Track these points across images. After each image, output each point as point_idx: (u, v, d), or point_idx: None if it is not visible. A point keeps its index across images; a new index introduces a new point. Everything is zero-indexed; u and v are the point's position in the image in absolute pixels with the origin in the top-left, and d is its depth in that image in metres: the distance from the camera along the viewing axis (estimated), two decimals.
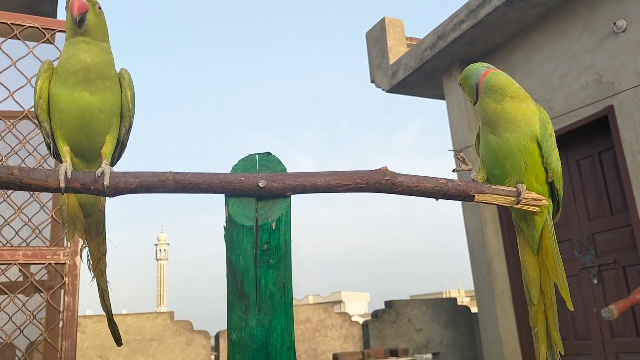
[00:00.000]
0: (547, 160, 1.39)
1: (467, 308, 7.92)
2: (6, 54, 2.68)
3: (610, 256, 5.28)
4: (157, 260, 56.81)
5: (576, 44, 5.42)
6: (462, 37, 6.07)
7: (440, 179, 1.24)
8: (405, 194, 1.20)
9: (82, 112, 1.28)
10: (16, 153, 2.83)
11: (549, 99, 5.65)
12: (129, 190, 1.12)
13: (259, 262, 1.09)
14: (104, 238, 1.51)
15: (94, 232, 1.48)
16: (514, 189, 1.37)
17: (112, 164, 1.42)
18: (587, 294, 5.46)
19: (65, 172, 1.15)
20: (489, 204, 1.31)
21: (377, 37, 7.37)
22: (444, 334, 7.48)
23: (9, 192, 2.77)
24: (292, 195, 1.16)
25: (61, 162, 1.30)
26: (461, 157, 1.44)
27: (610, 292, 5.23)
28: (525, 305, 5.36)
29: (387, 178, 1.19)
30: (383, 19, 7.28)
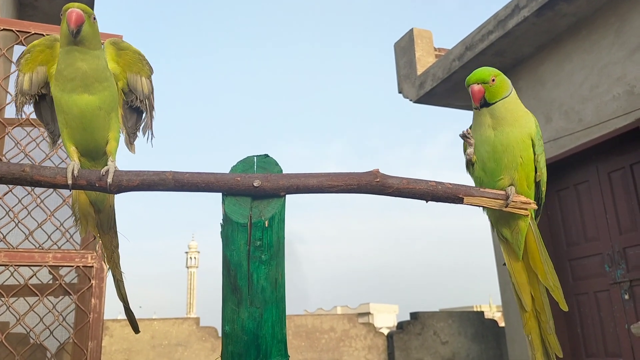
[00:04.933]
0: (538, 158, 1.47)
1: (494, 322, 7.79)
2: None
3: None
4: (188, 268, 57.47)
5: (607, 55, 5.34)
6: (490, 47, 6.04)
7: (430, 181, 1.27)
8: (395, 196, 1.23)
9: (82, 111, 1.38)
10: (49, 159, 2.97)
11: (579, 110, 5.56)
12: (131, 187, 1.20)
13: (251, 258, 1.14)
14: (115, 232, 1.63)
15: (105, 226, 1.60)
16: (502, 192, 1.40)
17: (150, 136, 1.57)
18: (618, 309, 5.32)
19: (73, 169, 1.24)
20: (478, 206, 1.33)
21: (405, 48, 7.40)
22: (470, 347, 7.37)
23: (42, 196, 2.91)
24: (287, 195, 1.21)
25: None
26: (468, 132, 1.51)
27: None
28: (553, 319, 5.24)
29: (378, 180, 1.22)
30: (411, 30, 7.31)
